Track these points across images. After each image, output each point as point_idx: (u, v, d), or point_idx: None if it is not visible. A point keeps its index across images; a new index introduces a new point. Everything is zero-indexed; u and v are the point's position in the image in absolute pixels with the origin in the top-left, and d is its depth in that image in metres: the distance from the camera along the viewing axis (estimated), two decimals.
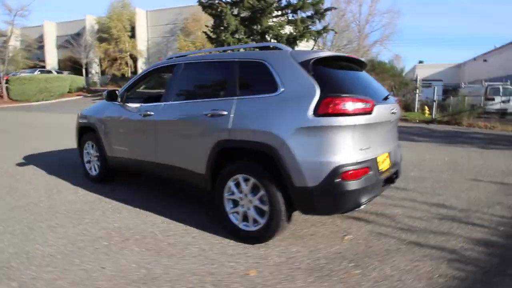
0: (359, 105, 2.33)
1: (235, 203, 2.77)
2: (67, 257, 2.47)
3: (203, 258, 2.47)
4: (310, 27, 16.64)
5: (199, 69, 3.24)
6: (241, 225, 2.72)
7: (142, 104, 3.62)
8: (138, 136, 3.56)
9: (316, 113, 2.31)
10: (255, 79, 2.74)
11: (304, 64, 2.50)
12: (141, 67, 30.55)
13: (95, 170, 4.32)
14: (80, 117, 4.52)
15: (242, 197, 2.69)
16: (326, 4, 17.69)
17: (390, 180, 2.78)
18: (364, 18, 29.11)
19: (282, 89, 2.50)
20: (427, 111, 14.35)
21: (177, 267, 2.35)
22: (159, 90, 4.53)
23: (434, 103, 13.22)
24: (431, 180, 4.56)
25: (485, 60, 28.97)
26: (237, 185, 2.72)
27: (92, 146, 4.30)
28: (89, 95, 24.32)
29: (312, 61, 2.49)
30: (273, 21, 17.40)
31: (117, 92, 3.78)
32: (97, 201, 3.67)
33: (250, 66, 2.77)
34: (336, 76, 2.58)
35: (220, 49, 3.49)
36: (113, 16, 28.99)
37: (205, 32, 18.86)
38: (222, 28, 17.26)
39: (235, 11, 17.18)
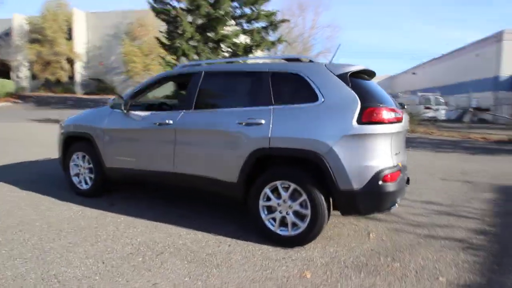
0: (393, 115, 2.60)
1: (271, 209, 2.84)
2: (107, 277, 2.29)
3: (252, 265, 2.49)
4: (265, 37, 17.17)
5: (225, 79, 3.25)
6: (278, 231, 2.79)
7: (154, 112, 3.49)
8: (151, 145, 3.42)
9: (360, 121, 2.51)
10: (291, 89, 2.86)
11: (342, 77, 2.70)
12: (80, 71, 28.34)
13: (86, 183, 3.99)
14: (65, 126, 4.15)
15: (280, 203, 2.77)
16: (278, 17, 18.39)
17: (407, 181, 3.10)
18: (308, 31, 30.94)
19: (322, 100, 2.66)
20: None
21: (232, 276, 2.33)
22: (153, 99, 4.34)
23: None
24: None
25: (414, 73, 32.80)
26: (274, 191, 2.80)
27: (83, 157, 3.97)
28: (19, 101, 21.76)
29: (349, 74, 2.71)
30: (228, 30, 17.61)
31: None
32: (101, 217, 3.40)
33: (284, 77, 2.88)
34: (366, 87, 2.82)
35: (241, 59, 3.53)
36: (47, 16, 26.49)
37: (157, 38, 18.35)
38: (176, 34, 16.97)
39: (190, 18, 17.03)
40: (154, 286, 2.21)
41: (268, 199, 2.83)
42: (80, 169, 4.02)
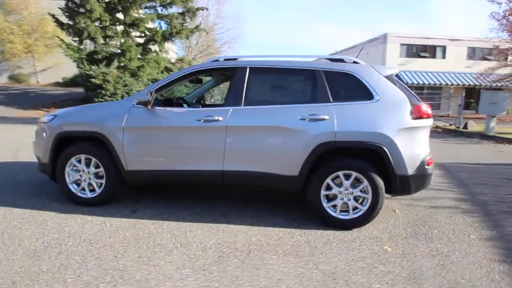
0: (429, 110, 3.20)
1: (331, 197, 3.14)
2: (226, 282, 2.24)
3: (337, 248, 2.76)
4: (184, 25, 16.54)
5: (275, 75, 3.30)
6: (340, 216, 3.12)
7: (192, 109, 3.29)
8: (193, 144, 3.24)
9: (412, 116, 3.03)
10: (347, 88, 3.16)
11: (389, 78, 3.16)
12: None
13: (92, 191, 3.48)
14: (58, 125, 3.47)
15: (341, 190, 3.09)
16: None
17: None
18: (212, 21, 30.83)
19: (377, 98, 3.07)
20: None
21: (333, 259, 2.56)
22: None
23: None
24: None
25: None
26: (334, 180, 3.10)
27: (87, 161, 3.43)
28: None
29: (394, 75, 3.18)
30: (141, 13, 16.31)
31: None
32: (141, 226, 3.09)
33: (339, 76, 3.16)
34: (403, 87, 3.34)
35: (279, 57, 3.57)
36: None
37: (52, 15, 15.63)
38: (78, 12, 14.79)
39: None
40: (278, 281, 2.28)
41: (329, 188, 3.12)
42: (82, 175, 3.46)
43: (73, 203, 3.52)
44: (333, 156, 3.12)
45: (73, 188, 3.51)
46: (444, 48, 25.31)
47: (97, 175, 3.47)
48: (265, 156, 3.15)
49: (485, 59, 24.33)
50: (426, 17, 66.00)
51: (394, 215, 3.55)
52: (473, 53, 26.08)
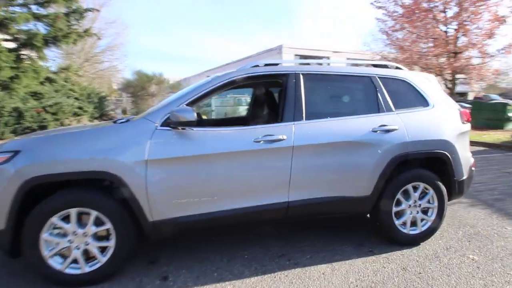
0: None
1: (400, 213, 2.89)
2: None
3: (435, 266, 2.52)
4: (72, 27, 13.93)
5: (329, 83, 2.81)
6: (410, 232, 2.90)
7: (240, 128, 2.52)
8: (249, 172, 2.48)
9: (462, 121, 3.05)
10: (403, 95, 2.94)
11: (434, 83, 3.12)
12: None
13: (91, 263, 2.32)
14: (26, 168, 2.15)
15: (410, 204, 2.88)
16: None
17: None
18: (98, 26, 27.16)
19: (432, 104, 2.97)
20: None
21: (445, 279, 2.31)
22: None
23: (213, 112, 15.44)
24: None
25: (208, 76, 35.85)
26: (404, 195, 2.87)
27: (79, 218, 2.27)
28: None
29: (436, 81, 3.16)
30: (12, 12, 13.01)
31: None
32: None
33: (394, 82, 2.93)
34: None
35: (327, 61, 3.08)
36: None
37: None
38: None
39: None
40: None
41: (398, 203, 2.86)
42: (74, 240, 2.26)
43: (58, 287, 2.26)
44: (401, 168, 2.87)
45: (55, 263, 2.25)
46: (328, 59, 28.89)
47: (98, 237, 2.32)
48: (336, 177, 2.66)
49: None
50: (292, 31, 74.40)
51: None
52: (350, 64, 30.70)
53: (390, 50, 13.36)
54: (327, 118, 2.69)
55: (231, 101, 20.97)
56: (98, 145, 2.28)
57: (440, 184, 2.91)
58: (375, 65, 3.15)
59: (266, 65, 2.78)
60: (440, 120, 2.94)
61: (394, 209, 2.84)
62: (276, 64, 2.83)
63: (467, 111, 3.19)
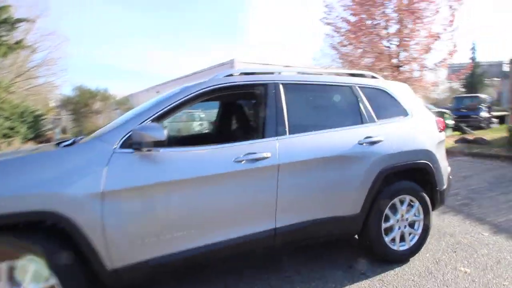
0: None
1: (389, 230, 2.73)
2: None
3: (431, 280, 2.37)
4: (4, 39, 12.46)
5: (310, 93, 2.57)
6: (401, 247, 2.74)
7: (222, 145, 2.16)
8: (231, 198, 2.12)
9: (439, 130, 3.01)
10: (383, 105, 2.81)
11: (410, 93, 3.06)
12: None
13: None
14: None
15: (398, 219, 2.73)
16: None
17: None
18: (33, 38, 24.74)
19: (410, 113, 2.89)
20: None
21: None
22: None
23: (166, 128, 14.69)
24: None
25: (158, 92, 34.49)
26: (391, 209, 2.71)
27: (20, 272, 1.72)
28: None
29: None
30: None
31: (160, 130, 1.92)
32: None
33: (375, 92, 2.81)
34: None
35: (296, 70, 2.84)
36: None
37: None
38: None
39: None
40: None
41: (387, 219, 2.70)
42: None
43: None
44: (387, 182, 2.71)
45: None
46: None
47: None
48: (325, 195, 2.42)
49: None
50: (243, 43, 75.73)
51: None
52: None
53: (338, 64, 13.91)
54: (311, 131, 2.45)
55: (183, 116, 20.25)
56: (37, 176, 1.76)
57: (425, 195, 2.82)
58: (351, 74, 3.01)
59: (242, 74, 2.49)
60: (420, 130, 2.87)
61: (383, 225, 2.66)
62: (253, 74, 2.54)
63: (441, 119, 3.18)
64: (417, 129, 2.86)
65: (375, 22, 12.58)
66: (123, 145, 1.94)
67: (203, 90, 2.26)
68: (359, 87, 2.78)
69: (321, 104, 2.70)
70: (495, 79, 29.38)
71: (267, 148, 2.23)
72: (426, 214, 2.83)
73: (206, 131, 6.64)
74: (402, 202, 2.75)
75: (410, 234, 2.80)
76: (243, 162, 2.14)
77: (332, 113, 2.69)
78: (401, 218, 2.75)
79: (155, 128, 1.90)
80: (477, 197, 4.58)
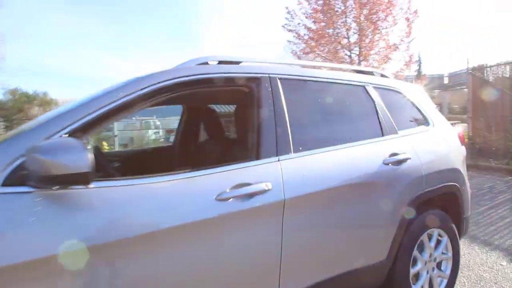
0: None
1: (417, 277, 2.06)
2: None
3: None
4: None
5: (320, 93, 1.83)
6: None
7: (198, 173, 1.32)
8: (210, 260, 1.29)
9: (461, 143, 2.44)
10: (400, 110, 2.18)
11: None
12: None
13: None
14: None
15: (426, 260, 2.09)
16: None
17: None
18: None
19: (430, 122, 2.29)
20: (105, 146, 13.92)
21: None
22: None
23: (116, 137, 13.20)
24: None
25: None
26: (418, 248, 2.06)
27: None
28: None
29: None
30: None
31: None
32: None
33: (390, 94, 2.15)
34: None
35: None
36: None
37: None
38: None
39: None
40: None
41: (414, 262, 2.04)
42: None
43: None
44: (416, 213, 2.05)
45: None
46: None
47: None
48: (345, 242, 1.69)
49: None
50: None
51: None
52: None
53: None
54: (322, 147, 1.71)
55: (137, 124, 18.57)
56: None
57: (454, 226, 2.22)
58: (358, 71, 2.33)
59: (220, 62, 1.67)
60: (446, 143, 2.29)
61: (412, 270, 1.99)
62: (238, 63, 1.73)
63: (461, 131, 2.64)
64: (442, 143, 2.27)
65: (336, 31, 12.49)
66: (9, 181, 1.02)
67: (165, 83, 1.41)
68: (373, 87, 2.11)
69: (332, 108, 1.94)
70: (436, 91, 31.65)
71: (266, 175, 1.44)
72: (455, 250, 2.23)
73: (167, 145, 4.90)
74: (430, 238, 2.12)
75: (438, 277, 2.17)
76: (230, 200, 1.32)
77: (346, 121, 1.96)
78: (428, 259, 2.10)
79: (71, 149, 1.02)
80: None
